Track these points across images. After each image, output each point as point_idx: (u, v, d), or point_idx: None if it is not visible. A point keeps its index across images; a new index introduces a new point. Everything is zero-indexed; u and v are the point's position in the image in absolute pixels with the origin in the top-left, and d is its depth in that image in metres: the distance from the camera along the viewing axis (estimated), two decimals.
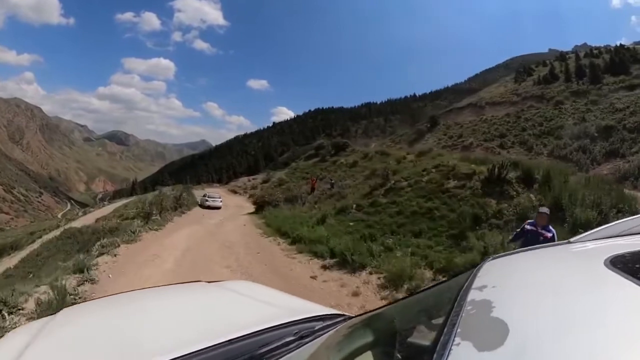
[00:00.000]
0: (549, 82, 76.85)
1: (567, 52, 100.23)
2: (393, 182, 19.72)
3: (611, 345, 0.68)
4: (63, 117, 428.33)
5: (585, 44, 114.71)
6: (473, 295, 0.98)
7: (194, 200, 36.65)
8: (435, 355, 0.77)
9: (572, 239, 1.43)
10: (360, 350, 1.28)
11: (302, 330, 1.68)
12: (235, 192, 54.96)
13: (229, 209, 33.69)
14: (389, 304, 3.00)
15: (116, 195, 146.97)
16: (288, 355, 1.52)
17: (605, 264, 0.97)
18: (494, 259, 1.36)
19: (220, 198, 34.74)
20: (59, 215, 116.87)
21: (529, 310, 0.87)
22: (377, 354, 1.26)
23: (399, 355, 1.09)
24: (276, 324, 1.77)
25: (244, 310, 2.15)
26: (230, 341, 1.60)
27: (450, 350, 0.75)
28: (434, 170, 18.72)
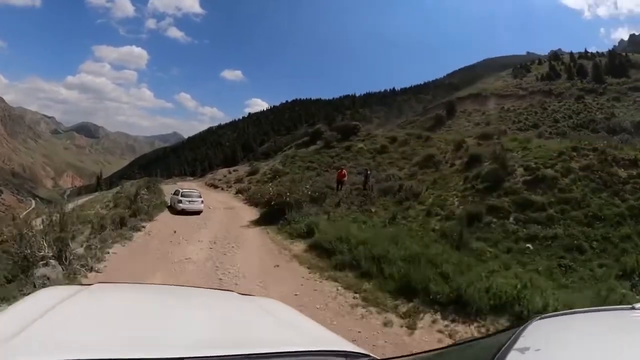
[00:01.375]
0: (552, 78, 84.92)
1: (548, 55, 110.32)
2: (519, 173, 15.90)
3: None
4: (28, 107, 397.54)
5: (560, 50, 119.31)
6: (513, 356, 0.91)
7: (161, 200, 24.75)
8: None
9: (636, 305, 1.24)
10: None
11: None
12: (215, 186, 42.60)
13: (215, 212, 21.85)
14: (420, 353, 2.81)
15: (81, 191, 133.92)
16: None
17: None
18: (542, 318, 1.25)
19: (199, 196, 22.45)
20: (21, 216, 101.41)
21: None
22: None
23: None
24: (297, 349, 1.57)
25: (267, 329, 1.97)
26: (244, 356, 1.44)
27: None
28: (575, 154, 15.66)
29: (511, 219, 13.13)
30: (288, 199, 16.94)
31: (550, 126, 50.08)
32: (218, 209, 22.90)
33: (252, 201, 24.87)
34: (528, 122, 53.84)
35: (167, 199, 24.09)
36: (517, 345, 0.96)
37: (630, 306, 1.23)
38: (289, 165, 37.10)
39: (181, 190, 22.66)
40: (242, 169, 50.15)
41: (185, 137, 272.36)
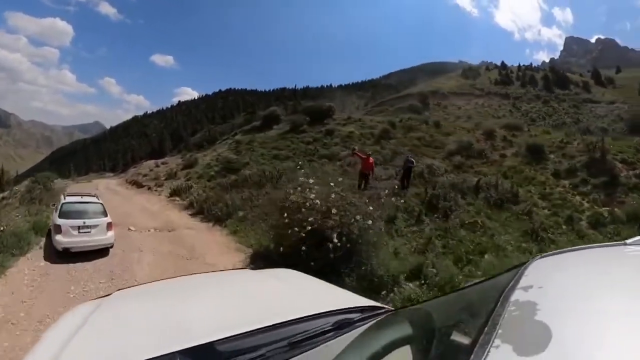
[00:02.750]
0: (507, 83, 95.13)
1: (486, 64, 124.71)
2: None
3: None
4: None
5: (491, 62, 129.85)
6: (517, 295, 0.93)
7: (42, 218, 12.15)
8: (472, 356, 0.73)
9: (628, 240, 1.28)
10: (398, 344, 1.26)
11: (341, 321, 1.62)
12: (139, 184, 29.65)
13: (143, 247, 10.12)
14: (431, 299, 2.74)
15: None
16: (326, 344, 1.49)
17: None
18: (542, 257, 1.27)
19: (102, 211, 9.76)
20: None
21: (576, 315, 0.80)
22: (415, 348, 1.21)
23: (436, 352, 1.05)
24: (315, 312, 1.70)
25: (285, 298, 2.09)
26: (270, 327, 1.55)
27: (488, 352, 0.72)
28: None
29: None
30: (353, 229, 6.90)
31: (530, 124, 48.36)
32: (147, 238, 11.22)
33: (212, 216, 13.84)
34: (509, 119, 52.16)
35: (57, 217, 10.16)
36: (521, 284, 0.98)
37: (622, 242, 1.26)
38: (246, 154, 26.42)
39: (69, 198, 10.11)
40: (173, 161, 38.11)
41: (108, 127, 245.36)
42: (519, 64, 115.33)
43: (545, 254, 1.29)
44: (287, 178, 16.63)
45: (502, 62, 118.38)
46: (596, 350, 0.63)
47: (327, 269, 6.27)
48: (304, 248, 6.54)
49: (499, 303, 0.90)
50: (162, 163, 39.06)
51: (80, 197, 10.42)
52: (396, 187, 15.02)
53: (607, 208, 13.84)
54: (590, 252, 1.27)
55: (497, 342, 0.72)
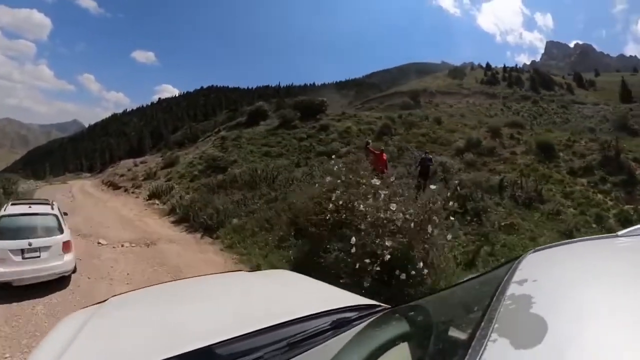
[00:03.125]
0: (493, 83, 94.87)
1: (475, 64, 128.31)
2: None
3: None
4: None
5: (472, 63, 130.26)
6: (513, 289, 0.93)
7: None
8: (470, 351, 0.73)
9: (619, 232, 1.32)
10: (395, 341, 1.25)
11: (338, 320, 1.61)
12: (115, 185, 27.13)
13: (113, 274, 7.87)
14: (427, 295, 2.74)
15: None
16: (324, 344, 1.48)
17: None
18: (535, 251, 1.26)
19: (58, 226, 7.00)
20: None
21: (570, 307, 0.80)
22: (413, 345, 1.20)
23: (434, 348, 1.03)
24: (313, 312, 1.69)
25: (282, 299, 2.07)
26: (268, 328, 1.54)
27: (485, 347, 0.71)
28: None
29: None
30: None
31: (532, 123, 47.72)
32: (120, 257, 8.84)
33: (199, 224, 11.57)
34: (500, 117, 51.13)
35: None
36: (515, 278, 0.98)
37: (614, 234, 1.28)
38: (233, 151, 24.13)
39: (1, 214, 6.91)
40: (153, 159, 35.91)
41: (87, 125, 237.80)
42: (504, 65, 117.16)
43: (538, 247, 1.28)
44: (285, 178, 14.59)
45: (487, 63, 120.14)
46: (591, 342, 0.64)
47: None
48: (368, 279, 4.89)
49: (495, 297, 0.89)
50: (141, 162, 36.89)
51: (27, 206, 7.53)
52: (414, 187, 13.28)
53: (631, 206, 13.77)
54: (583, 245, 1.27)
55: (494, 336, 0.72)
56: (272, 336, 1.48)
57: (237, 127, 31.93)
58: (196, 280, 2.88)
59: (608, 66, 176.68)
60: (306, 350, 1.44)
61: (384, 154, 13.53)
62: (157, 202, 16.64)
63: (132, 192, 21.44)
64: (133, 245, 9.81)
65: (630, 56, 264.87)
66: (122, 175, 30.71)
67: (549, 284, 0.94)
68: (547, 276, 1.01)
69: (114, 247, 9.55)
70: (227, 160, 21.49)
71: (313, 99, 33.43)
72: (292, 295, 2.14)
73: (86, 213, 13.93)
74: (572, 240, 1.34)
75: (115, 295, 2.35)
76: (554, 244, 1.29)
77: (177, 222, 12.76)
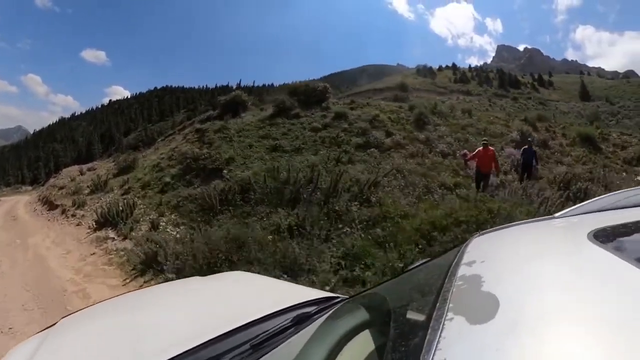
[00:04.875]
0: (465, 81, 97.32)
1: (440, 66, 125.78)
2: None
3: (598, 319, 0.64)
4: None
5: (425, 65, 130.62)
6: (463, 270, 0.95)
7: None
8: (429, 330, 0.74)
9: (556, 214, 1.39)
10: (357, 330, 1.26)
11: (299, 316, 1.56)
12: (52, 203, 18.01)
13: None
14: (381, 283, 2.61)
15: None
16: (287, 341, 1.45)
17: (588, 237, 0.94)
18: (481, 234, 1.31)
19: None
20: None
21: (517, 283, 0.84)
22: (374, 332, 1.22)
23: (394, 332, 1.02)
24: (273, 311, 1.64)
25: (240, 301, 2.00)
26: (229, 333, 1.49)
27: (443, 325, 0.73)
28: None
29: None
30: None
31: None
32: None
33: None
34: (494, 112, 49.79)
35: None
36: (464, 260, 1.01)
37: (551, 216, 1.37)
38: (221, 146, 16.50)
39: None
40: (104, 165, 27.55)
41: (32, 131, 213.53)
42: (469, 65, 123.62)
43: (482, 231, 1.32)
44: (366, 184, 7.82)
45: (453, 63, 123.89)
46: (539, 310, 0.68)
47: None
48: None
49: (447, 279, 0.92)
50: (89, 169, 27.36)
51: None
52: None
53: None
54: (524, 227, 1.31)
55: (450, 315, 0.74)
56: (234, 340, 1.42)
57: (208, 120, 24.22)
58: (150, 291, 2.77)
59: (554, 69, 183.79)
60: (270, 351, 1.38)
61: (490, 147, 11.69)
62: (110, 234, 9.11)
63: (73, 215, 13.44)
64: None
65: (572, 60, 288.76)
66: (61, 188, 21.90)
67: (496, 263, 0.99)
68: (494, 256, 1.05)
69: None
70: (218, 158, 14.06)
71: (315, 84, 26.96)
72: (250, 295, 2.05)
73: None
74: (513, 223, 1.38)
75: (65, 316, 2.12)
76: (496, 227, 1.35)
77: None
